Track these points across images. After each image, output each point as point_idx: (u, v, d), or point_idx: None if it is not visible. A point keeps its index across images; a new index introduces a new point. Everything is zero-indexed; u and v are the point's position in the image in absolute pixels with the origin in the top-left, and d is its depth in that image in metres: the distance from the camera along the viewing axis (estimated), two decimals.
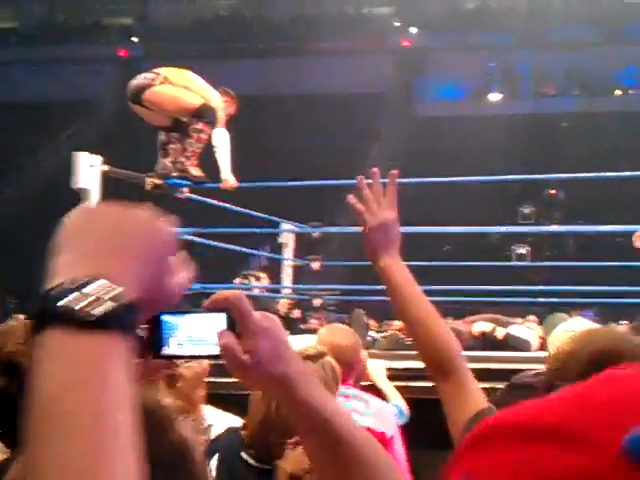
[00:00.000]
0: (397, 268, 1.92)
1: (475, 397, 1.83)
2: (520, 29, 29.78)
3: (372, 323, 13.01)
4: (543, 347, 7.07)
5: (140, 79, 7.27)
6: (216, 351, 1.08)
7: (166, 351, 1.08)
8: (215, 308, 1.09)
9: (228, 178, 7.30)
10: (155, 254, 0.88)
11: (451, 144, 25.03)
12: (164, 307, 0.96)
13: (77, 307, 0.78)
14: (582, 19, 29.42)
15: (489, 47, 29.99)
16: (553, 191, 22.71)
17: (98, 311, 0.78)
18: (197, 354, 1.10)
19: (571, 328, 3.01)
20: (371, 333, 7.22)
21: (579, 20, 29.32)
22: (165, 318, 1.08)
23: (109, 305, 0.79)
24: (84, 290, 0.79)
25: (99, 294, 0.79)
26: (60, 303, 0.78)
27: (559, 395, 0.57)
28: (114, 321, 0.79)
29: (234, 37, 32.15)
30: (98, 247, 0.84)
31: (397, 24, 33.43)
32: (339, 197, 22.18)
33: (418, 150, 25.72)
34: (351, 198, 1.94)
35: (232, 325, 1.08)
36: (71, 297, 0.78)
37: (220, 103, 7.45)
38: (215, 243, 8.12)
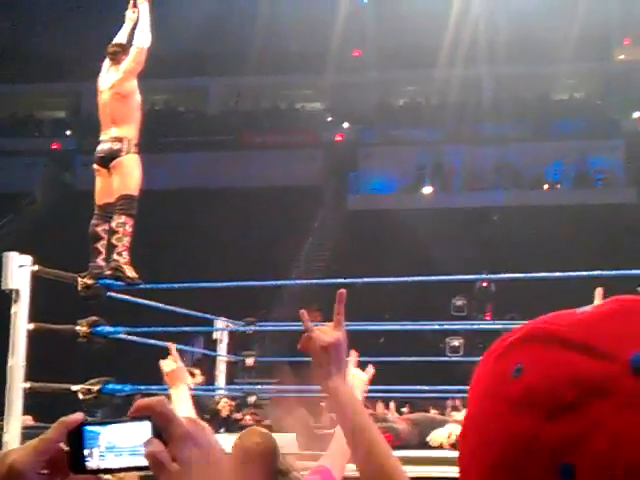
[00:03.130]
0: (347, 390, 1.86)
1: None
2: (450, 124, 30.44)
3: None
4: None
5: (107, 146, 7.33)
6: (143, 462, 1.02)
7: (89, 465, 1.04)
8: (139, 416, 1.03)
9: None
10: None
11: (383, 237, 25.24)
12: None
13: None
14: (511, 115, 30.21)
15: (420, 142, 30.55)
16: (485, 284, 22.97)
17: None
18: (122, 466, 1.04)
19: None
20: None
21: (508, 116, 30.10)
22: (88, 428, 1.04)
23: None
24: None
25: None
26: None
27: (589, 313, 0.75)
28: None
29: (169, 131, 32.26)
30: None
31: (329, 119, 34.00)
32: (273, 292, 22.05)
33: (350, 243, 25.89)
34: (303, 314, 1.91)
35: (158, 433, 1.01)
36: None
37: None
38: (148, 340, 8.01)
